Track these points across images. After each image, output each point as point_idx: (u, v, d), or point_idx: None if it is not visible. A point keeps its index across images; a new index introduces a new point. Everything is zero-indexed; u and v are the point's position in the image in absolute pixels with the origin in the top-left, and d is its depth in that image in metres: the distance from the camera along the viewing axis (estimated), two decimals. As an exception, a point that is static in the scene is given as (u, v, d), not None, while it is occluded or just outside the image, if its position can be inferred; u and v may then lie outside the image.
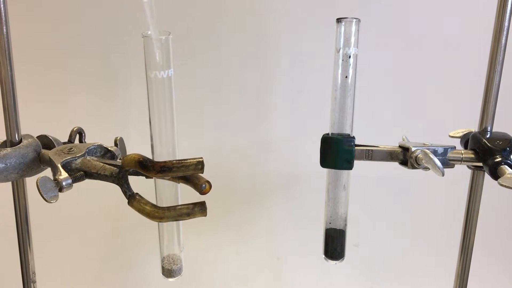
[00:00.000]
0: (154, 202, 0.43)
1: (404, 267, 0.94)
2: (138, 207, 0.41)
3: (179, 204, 0.41)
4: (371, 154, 0.51)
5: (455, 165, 0.52)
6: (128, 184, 0.42)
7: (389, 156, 0.52)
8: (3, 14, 0.45)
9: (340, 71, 0.49)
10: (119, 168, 0.42)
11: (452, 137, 0.57)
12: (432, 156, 0.47)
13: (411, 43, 0.85)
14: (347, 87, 0.50)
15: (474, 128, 0.55)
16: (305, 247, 0.92)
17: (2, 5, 0.45)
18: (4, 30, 0.46)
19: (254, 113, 0.88)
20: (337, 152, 0.50)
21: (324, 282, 0.94)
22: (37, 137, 0.50)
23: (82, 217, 0.89)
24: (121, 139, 0.51)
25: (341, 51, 0.49)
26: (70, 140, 0.52)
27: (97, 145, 0.48)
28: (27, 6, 0.81)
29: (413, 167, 0.50)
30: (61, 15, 0.82)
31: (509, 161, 0.48)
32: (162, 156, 0.45)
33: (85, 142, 0.53)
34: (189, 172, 0.39)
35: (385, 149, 0.52)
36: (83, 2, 0.82)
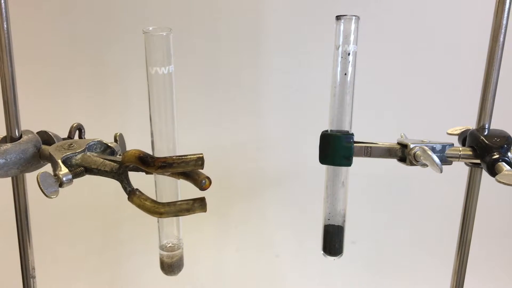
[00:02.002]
0: (154, 197, 0.43)
1: (401, 263, 0.94)
2: (138, 202, 0.41)
3: (179, 199, 0.41)
4: (369, 151, 0.52)
5: (453, 162, 0.52)
6: (128, 179, 0.42)
7: (388, 153, 0.52)
8: (3, 10, 0.45)
9: (339, 68, 0.49)
10: (119, 163, 0.42)
11: (450, 134, 0.57)
12: (430, 153, 0.47)
13: (409, 40, 0.85)
14: (346, 84, 0.50)
15: (472, 125, 0.55)
16: (303, 244, 0.93)
17: (2, 1, 0.45)
18: (5, 26, 0.46)
19: (254, 110, 0.88)
20: (336, 148, 0.50)
21: (322, 279, 0.95)
22: (37, 133, 0.51)
23: (82, 212, 0.89)
24: (121, 135, 0.52)
25: (340, 48, 0.49)
26: (70, 136, 0.52)
27: (97, 141, 0.48)
28: (27, 2, 0.81)
29: (412, 164, 0.50)
30: (60, 11, 0.82)
31: (506, 158, 0.48)
32: (162, 152, 0.45)
33: (84, 138, 0.53)
34: (189, 168, 0.39)
35: (383, 146, 0.52)
36: (82, -2, 0.82)
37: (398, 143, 0.52)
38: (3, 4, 0.45)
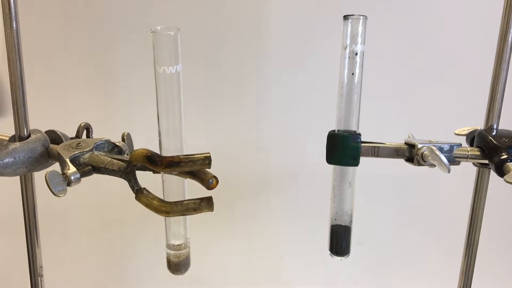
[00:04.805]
0: (161, 197, 0.43)
1: (408, 265, 0.94)
2: (146, 201, 0.41)
3: (186, 199, 0.41)
4: (377, 151, 0.51)
5: (461, 162, 0.52)
6: (135, 179, 0.42)
7: (395, 153, 0.52)
8: (12, 11, 0.46)
9: (346, 68, 0.49)
10: (127, 163, 0.43)
11: (458, 134, 0.57)
12: (438, 153, 0.47)
13: (417, 40, 0.85)
14: (353, 84, 0.50)
15: (480, 125, 0.55)
16: (308, 245, 0.92)
17: (11, 1, 0.45)
18: (14, 26, 0.46)
19: (261, 109, 0.88)
20: (343, 148, 0.50)
21: (327, 281, 0.94)
22: (45, 132, 0.51)
23: (90, 211, 0.90)
24: (128, 134, 0.52)
25: (347, 48, 0.49)
26: (78, 136, 0.52)
27: (105, 140, 0.49)
28: (36, 2, 0.82)
29: (419, 164, 0.50)
30: (69, 11, 0.83)
31: (515, 159, 0.48)
32: (169, 151, 0.45)
33: (92, 137, 0.53)
34: (196, 167, 0.39)
35: (391, 146, 0.52)
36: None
37: (406, 143, 0.52)
38: (12, 4, 0.46)
